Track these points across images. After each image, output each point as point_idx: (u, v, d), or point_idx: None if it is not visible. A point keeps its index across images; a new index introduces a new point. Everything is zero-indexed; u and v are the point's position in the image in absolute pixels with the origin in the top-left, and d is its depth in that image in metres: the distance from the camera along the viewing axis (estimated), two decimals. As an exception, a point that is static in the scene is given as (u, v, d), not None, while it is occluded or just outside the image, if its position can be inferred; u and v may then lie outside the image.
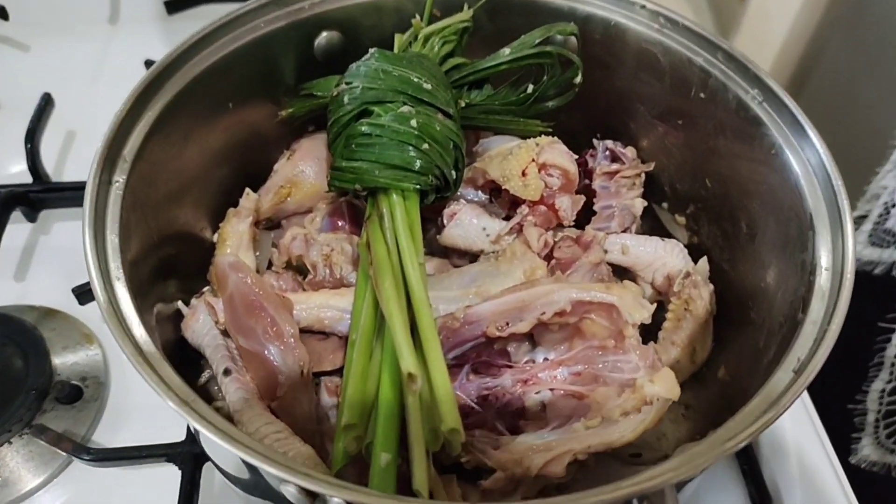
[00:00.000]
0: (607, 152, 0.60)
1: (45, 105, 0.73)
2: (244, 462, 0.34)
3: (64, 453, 0.54)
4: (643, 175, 0.60)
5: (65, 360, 0.62)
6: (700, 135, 0.56)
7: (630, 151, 0.61)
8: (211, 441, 0.34)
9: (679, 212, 0.62)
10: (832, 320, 0.37)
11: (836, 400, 0.75)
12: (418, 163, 0.47)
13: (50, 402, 0.58)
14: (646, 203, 0.59)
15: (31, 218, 0.70)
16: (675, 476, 0.31)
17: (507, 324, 0.45)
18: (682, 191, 0.60)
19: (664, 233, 0.63)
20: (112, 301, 0.38)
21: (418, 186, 0.48)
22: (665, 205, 0.63)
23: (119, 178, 0.42)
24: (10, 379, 0.59)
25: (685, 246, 0.58)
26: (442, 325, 0.45)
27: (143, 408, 0.60)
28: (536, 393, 0.47)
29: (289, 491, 0.33)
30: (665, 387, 0.41)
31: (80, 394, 0.60)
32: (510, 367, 0.47)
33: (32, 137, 0.70)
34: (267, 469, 0.31)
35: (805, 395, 0.59)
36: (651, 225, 0.64)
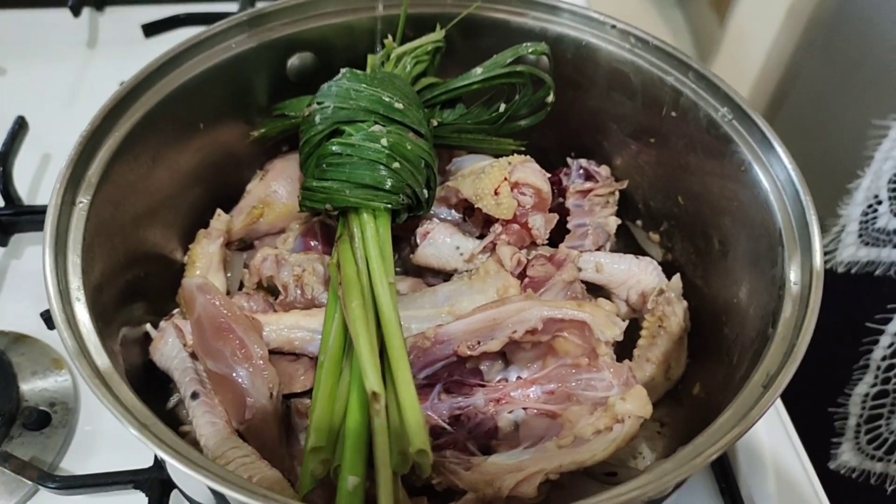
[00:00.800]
0: (581, 171, 0.61)
1: (19, 128, 0.72)
2: (208, 488, 0.33)
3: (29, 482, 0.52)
4: (617, 193, 0.61)
5: (33, 386, 0.61)
6: (672, 153, 0.56)
7: (604, 170, 0.61)
8: (173, 466, 0.34)
9: (653, 229, 0.62)
10: (801, 335, 0.37)
11: (815, 403, 0.75)
12: (389, 182, 0.47)
13: (17, 428, 0.57)
14: (620, 221, 0.59)
15: (2, 242, 0.69)
16: (643, 493, 0.30)
17: (479, 343, 0.44)
18: (656, 208, 0.61)
19: (639, 250, 0.63)
20: (70, 322, 0.37)
21: (389, 206, 0.48)
22: (639, 222, 0.63)
23: (83, 199, 0.42)
24: (-25, 405, 0.58)
25: (660, 263, 0.58)
26: (413, 344, 0.45)
27: (112, 434, 0.58)
28: (509, 412, 0.46)
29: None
30: (636, 404, 0.40)
31: (49, 420, 0.58)
32: (483, 385, 0.47)
33: (5, 160, 0.69)
34: (228, 493, 0.30)
35: (781, 408, 0.59)
36: (625, 242, 0.64)
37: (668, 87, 0.54)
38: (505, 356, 0.48)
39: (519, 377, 0.48)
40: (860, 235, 0.76)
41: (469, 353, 0.44)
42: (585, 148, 0.63)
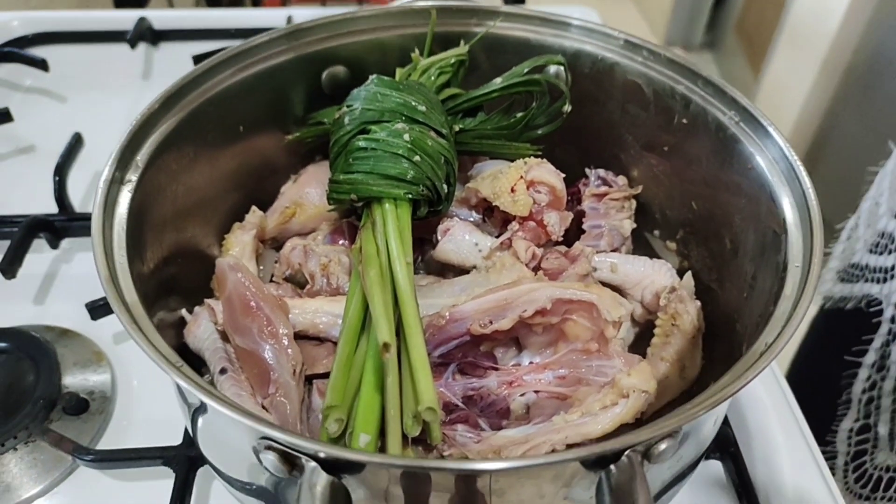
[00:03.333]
0: (599, 179, 0.63)
1: (76, 143, 0.79)
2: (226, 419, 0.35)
3: (68, 456, 0.55)
4: (633, 201, 0.63)
5: (75, 376, 0.64)
6: (685, 159, 0.59)
7: (621, 179, 0.63)
8: (211, 411, 0.36)
9: (670, 238, 0.64)
10: (798, 305, 0.38)
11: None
12: (410, 173, 0.50)
13: (57, 412, 0.60)
14: (635, 225, 0.61)
15: (54, 245, 0.74)
16: (634, 439, 0.32)
17: (491, 321, 0.46)
18: (672, 217, 0.63)
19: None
20: (117, 287, 0.40)
21: (410, 195, 0.51)
22: (657, 232, 0.65)
23: (131, 178, 0.46)
24: (21, 390, 0.61)
25: (677, 270, 0.59)
26: (428, 323, 0.47)
27: (145, 422, 0.61)
28: (521, 395, 0.48)
29: (268, 459, 0.34)
30: (641, 378, 0.42)
31: (87, 406, 0.61)
32: (496, 369, 0.48)
33: (61, 171, 0.75)
34: (247, 423, 0.33)
35: (809, 436, 0.59)
36: (644, 252, 0.65)
37: (678, 95, 0.57)
38: (518, 342, 0.50)
39: (531, 362, 0.49)
40: (838, 272, 0.77)
41: (481, 331, 0.46)
42: (604, 160, 0.66)
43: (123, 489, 0.57)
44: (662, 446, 0.34)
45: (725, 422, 0.58)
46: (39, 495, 0.56)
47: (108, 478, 0.58)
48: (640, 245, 0.65)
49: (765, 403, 0.61)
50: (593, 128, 0.64)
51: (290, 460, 0.34)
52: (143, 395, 0.64)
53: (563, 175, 0.58)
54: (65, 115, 0.93)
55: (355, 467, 0.33)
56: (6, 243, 0.70)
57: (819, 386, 0.75)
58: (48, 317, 0.70)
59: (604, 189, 0.60)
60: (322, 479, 0.32)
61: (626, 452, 0.32)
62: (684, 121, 0.57)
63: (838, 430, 0.72)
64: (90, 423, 0.61)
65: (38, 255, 0.74)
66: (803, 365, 0.92)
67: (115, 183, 0.45)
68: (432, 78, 0.58)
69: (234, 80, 0.56)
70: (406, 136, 0.51)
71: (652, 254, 0.65)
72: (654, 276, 0.57)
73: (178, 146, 0.51)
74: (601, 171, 0.63)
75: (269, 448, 0.34)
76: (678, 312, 0.54)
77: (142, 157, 0.47)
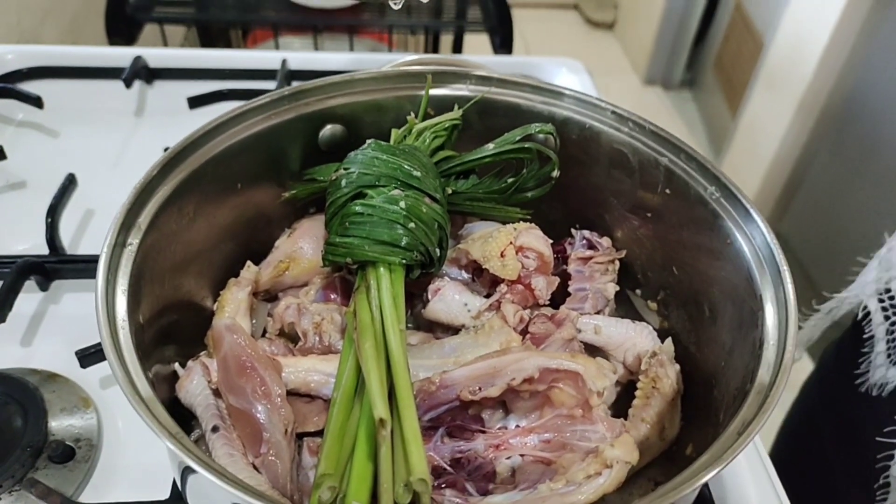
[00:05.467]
0: (584, 241, 0.65)
1: (69, 184, 0.79)
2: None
3: (52, 508, 0.55)
4: (617, 262, 0.65)
5: (61, 422, 0.64)
6: (666, 226, 0.61)
7: (605, 241, 0.66)
8: (198, 480, 0.37)
9: (651, 298, 0.66)
10: (774, 387, 0.41)
11: None
12: (405, 240, 0.52)
13: (43, 460, 0.61)
14: (618, 287, 0.63)
15: (44, 287, 0.74)
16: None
17: (480, 388, 0.48)
18: (653, 278, 0.65)
19: (638, 318, 0.67)
20: (117, 347, 0.41)
21: (404, 261, 0.52)
22: (638, 291, 0.67)
23: (133, 241, 0.47)
24: (8, 436, 0.61)
25: (657, 330, 0.62)
26: (419, 388, 0.48)
27: (131, 470, 0.62)
28: (507, 458, 0.49)
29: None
30: (624, 450, 0.43)
31: (73, 454, 0.62)
32: (483, 432, 0.50)
33: (53, 213, 0.76)
34: (237, 494, 0.34)
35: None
36: (626, 310, 0.68)
37: (662, 166, 0.59)
38: (505, 405, 0.52)
39: (518, 425, 0.51)
40: (889, 355, 0.74)
41: (471, 397, 0.47)
42: (589, 220, 0.68)
43: (109, 539, 0.57)
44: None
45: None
46: (24, 545, 0.56)
47: (94, 528, 0.58)
48: (623, 303, 0.67)
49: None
50: (579, 189, 0.67)
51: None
52: (130, 441, 0.64)
53: (548, 231, 0.61)
54: (57, 150, 0.93)
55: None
56: (-3, 283, 0.70)
57: (814, 464, 0.74)
58: (35, 359, 0.70)
59: (589, 253, 0.62)
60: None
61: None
62: (667, 191, 0.59)
63: None
64: (76, 471, 0.61)
65: (27, 296, 0.74)
66: (794, 438, 0.92)
67: (119, 246, 0.46)
68: (427, 141, 0.60)
69: (235, 140, 0.57)
70: (402, 204, 0.52)
71: (634, 312, 0.68)
72: (636, 338, 0.59)
73: (178, 206, 0.52)
74: (586, 233, 0.66)
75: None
76: (658, 376, 0.56)
77: (143, 218, 0.49)
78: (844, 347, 0.82)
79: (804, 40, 2.09)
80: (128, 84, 0.95)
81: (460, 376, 0.48)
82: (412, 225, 0.52)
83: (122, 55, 1.00)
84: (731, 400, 0.48)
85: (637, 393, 0.57)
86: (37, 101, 0.90)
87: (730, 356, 0.52)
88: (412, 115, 0.63)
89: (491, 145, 0.61)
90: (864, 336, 0.75)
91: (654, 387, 0.57)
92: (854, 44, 1.96)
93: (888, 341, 0.73)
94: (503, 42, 1.37)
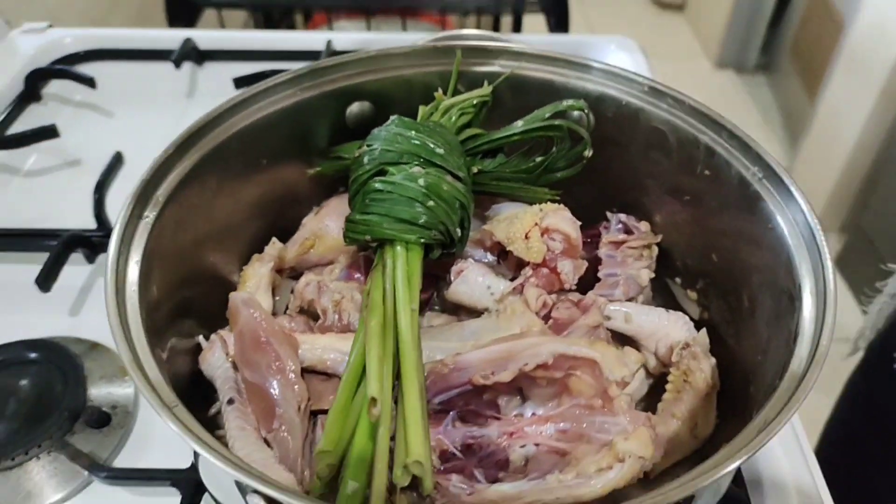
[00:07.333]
0: (620, 225, 0.62)
1: (116, 162, 0.82)
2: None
3: (83, 470, 0.57)
4: (654, 248, 0.62)
5: (100, 389, 0.66)
6: (705, 210, 0.57)
7: (644, 225, 0.63)
8: (202, 460, 0.37)
9: (690, 287, 0.62)
10: (801, 385, 0.37)
11: None
12: (423, 218, 0.51)
13: (80, 424, 0.63)
14: (653, 274, 0.60)
15: (91, 259, 0.77)
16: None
17: (493, 373, 0.46)
18: (692, 266, 0.61)
19: (677, 308, 0.63)
20: (125, 328, 0.42)
21: (422, 239, 0.51)
22: (678, 280, 0.64)
23: (150, 214, 0.47)
24: (48, 399, 0.64)
25: (697, 321, 0.58)
26: (430, 370, 0.47)
27: (162, 439, 0.63)
28: (521, 447, 0.47)
29: (254, 501, 0.35)
30: (638, 444, 0.41)
31: (109, 420, 0.64)
32: (498, 418, 0.48)
33: (101, 189, 0.78)
34: (230, 472, 0.34)
35: None
36: (665, 300, 0.65)
37: (702, 145, 0.56)
38: (522, 392, 0.50)
39: (534, 413, 0.49)
40: None
41: (483, 381, 0.46)
42: (626, 204, 0.65)
43: (137, 503, 0.59)
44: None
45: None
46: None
47: (123, 491, 0.59)
48: (662, 291, 0.64)
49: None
50: (614, 170, 0.64)
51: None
52: (163, 412, 0.66)
53: (581, 215, 0.58)
54: (110, 130, 0.96)
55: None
56: (45, 255, 0.73)
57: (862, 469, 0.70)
58: (81, 329, 0.72)
59: (622, 237, 0.59)
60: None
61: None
62: (707, 172, 0.56)
63: None
64: (111, 436, 0.63)
65: (77, 268, 0.76)
66: (840, 435, 0.88)
67: (134, 218, 0.46)
68: (453, 118, 0.58)
69: (260, 115, 0.57)
70: (421, 181, 0.51)
71: (673, 302, 0.64)
72: (669, 328, 0.56)
73: (200, 181, 0.52)
74: (622, 216, 0.63)
75: (255, 492, 0.35)
76: (690, 369, 0.53)
77: (162, 192, 0.49)
78: (889, 340, 0.76)
79: (888, 21, 1.96)
80: (177, 65, 0.97)
81: (474, 359, 0.47)
82: (431, 203, 0.51)
83: (172, 37, 1.02)
84: (763, 398, 0.45)
85: (667, 387, 0.54)
86: (90, 82, 0.93)
87: (766, 351, 0.49)
88: (439, 90, 0.61)
89: (520, 122, 0.58)
90: None
91: (685, 380, 0.54)
92: (942, 24, 1.81)
93: None
94: (559, 22, 1.33)
